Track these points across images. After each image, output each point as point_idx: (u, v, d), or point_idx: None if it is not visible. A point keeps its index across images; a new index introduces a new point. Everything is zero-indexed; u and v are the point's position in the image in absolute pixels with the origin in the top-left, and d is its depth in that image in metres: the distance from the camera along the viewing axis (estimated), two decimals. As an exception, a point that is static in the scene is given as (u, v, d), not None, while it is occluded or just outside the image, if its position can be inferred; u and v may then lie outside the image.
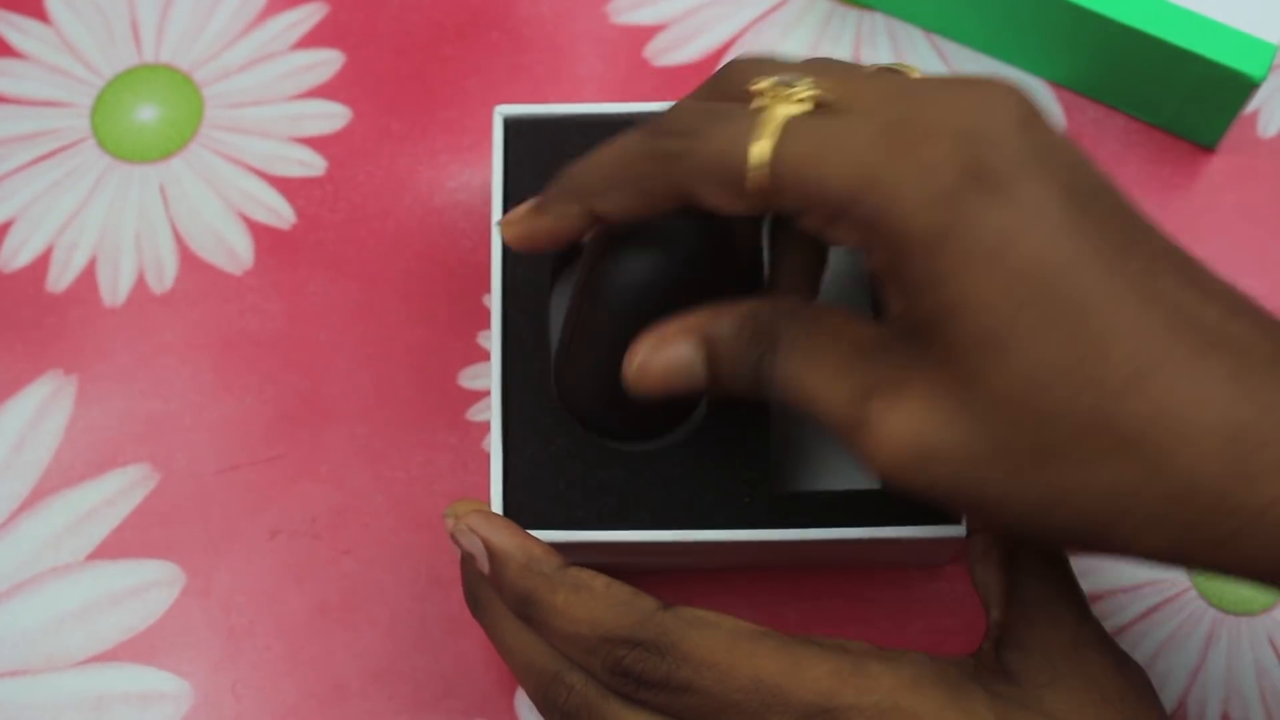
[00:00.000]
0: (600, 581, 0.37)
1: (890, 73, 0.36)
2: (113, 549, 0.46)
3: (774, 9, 0.52)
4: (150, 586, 0.45)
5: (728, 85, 0.38)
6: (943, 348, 0.33)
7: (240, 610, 0.45)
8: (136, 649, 0.45)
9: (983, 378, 0.32)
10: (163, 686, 0.44)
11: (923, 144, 0.32)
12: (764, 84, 0.35)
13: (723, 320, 0.37)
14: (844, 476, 0.45)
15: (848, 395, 0.34)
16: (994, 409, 0.32)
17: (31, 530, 0.46)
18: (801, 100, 0.35)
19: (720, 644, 0.35)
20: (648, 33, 0.52)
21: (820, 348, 0.35)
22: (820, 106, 0.35)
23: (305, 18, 0.52)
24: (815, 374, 0.35)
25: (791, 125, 0.34)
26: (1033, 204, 0.32)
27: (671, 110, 0.37)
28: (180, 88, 0.51)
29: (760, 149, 0.34)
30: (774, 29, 0.52)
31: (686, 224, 0.39)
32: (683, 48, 0.52)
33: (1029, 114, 0.33)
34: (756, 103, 0.35)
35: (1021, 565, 0.37)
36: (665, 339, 0.38)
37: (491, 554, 0.39)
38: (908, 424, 0.33)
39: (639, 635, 0.36)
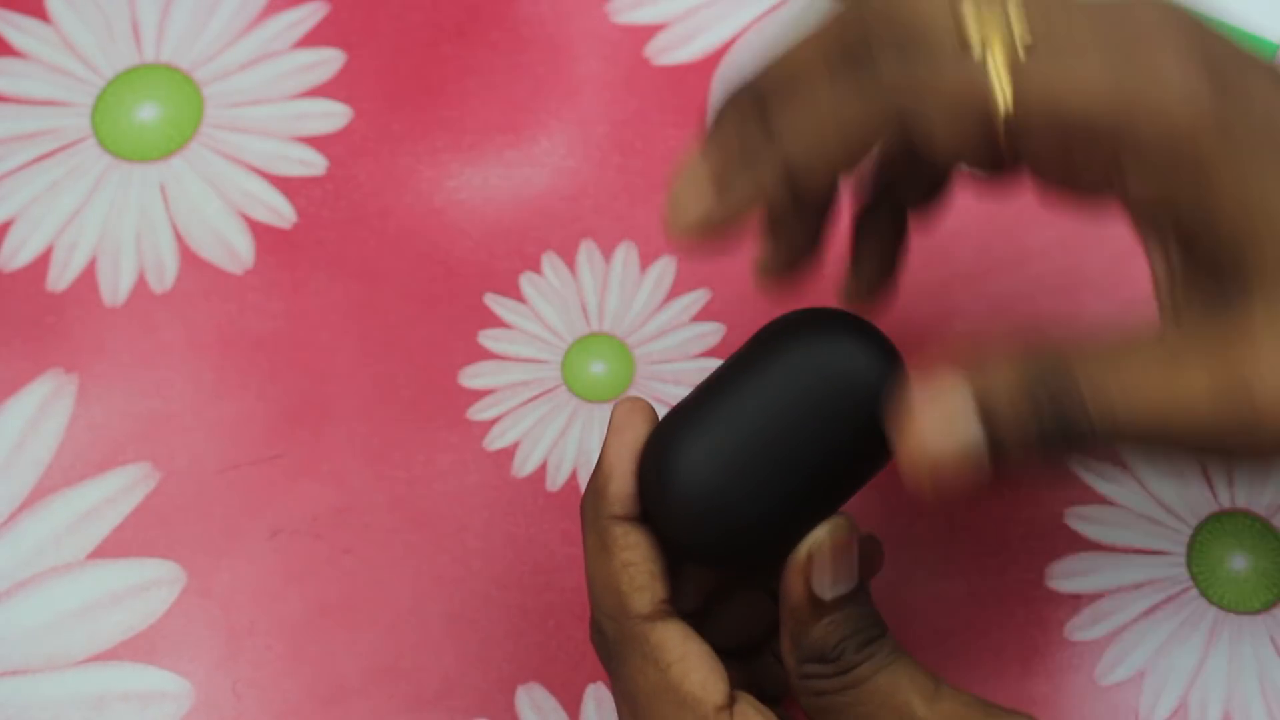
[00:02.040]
0: (619, 559, 0.36)
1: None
2: (113, 548, 0.46)
3: (774, 8, 0.52)
4: (151, 586, 0.45)
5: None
6: (1261, 252, 0.30)
7: (241, 609, 0.45)
8: (137, 648, 0.45)
9: None
10: (163, 686, 0.44)
11: (1158, 54, 0.31)
12: (968, 8, 0.32)
13: (995, 375, 0.32)
14: None
15: (1209, 384, 0.31)
16: None
17: (32, 529, 0.46)
18: (1016, 29, 0.32)
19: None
20: (648, 32, 0.52)
21: (1131, 359, 0.31)
22: (1031, 35, 0.32)
23: (306, 17, 0.52)
24: (1152, 386, 0.31)
25: (1024, 59, 0.32)
26: (1270, 81, 0.31)
27: (859, 34, 0.33)
28: (181, 87, 0.51)
29: (1004, 80, 0.31)
30: (775, 28, 0.52)
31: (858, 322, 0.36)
32: (683, 47, 0.52)
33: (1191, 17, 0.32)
34: (970, 32, 0.32)
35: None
36: (947, 415, 0.32)
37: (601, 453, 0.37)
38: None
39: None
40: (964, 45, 0.32)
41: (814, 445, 0.35)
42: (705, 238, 0.35)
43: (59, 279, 0.49)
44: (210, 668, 0.44)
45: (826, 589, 0.35)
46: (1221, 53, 0.31)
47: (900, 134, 0.33)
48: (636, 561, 0.36)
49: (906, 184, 0.39)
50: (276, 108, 0.51)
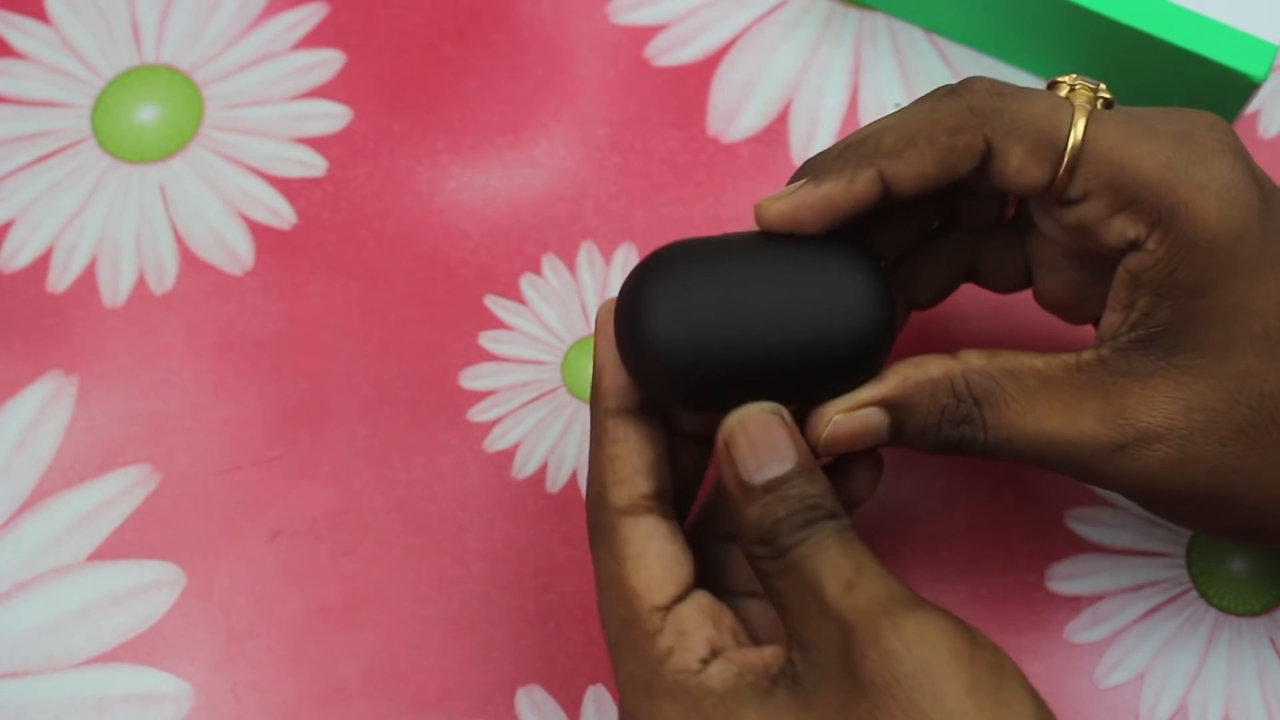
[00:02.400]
0: (607, 452, 0.37)
1: None
2: (113, 550, 0.46)
3: (774, 9, 0.52)
4: (151, 587, 0.45)
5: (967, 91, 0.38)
6: (1210, 349, 0.35)
7: (241, 611, 0.45)
8: (137, 650, 0.45)
9: (1257, 372, 0.35)
10: (163, 687, 0.44)
11: (1220, 156, 0.36)
12: (1066, 78, 0.38)
13: (916, 393, 0.37)
14: None
15: (1098, 425, 0.36)
16: (1262, 400, 0.35)
17: (32, 531, 0.46)
18: (1099, 95, 0.38)
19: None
20: (648, 33, 0.52)
21: (1035, 394, 0.36)
22: (1109, 106, 0.38)
23: (306, 18, 0.52)
24: (1047, 419, 0.36)
25: (1100, 112, 0.36)
26: None
27: (964, 82, 0.37)
28: (181, 88, 0.51)
29: (1080, 121, 0.36)
30: (775, 29, 0.52)
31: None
32: (683, 48, 0.52)
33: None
34: (1059, 90, 0.38)
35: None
36: (856, 407, 0.37)
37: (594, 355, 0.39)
38: (1172, 430, 0.36)
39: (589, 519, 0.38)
40: (1053, 89, 0.38)
41: (786, 323, 0.36)
42: (792, 221, 0.37)
43: (59, 280, 0.49)
44: (210, 669, 0.44)
45: (752, 473, 0.36)
46: (1257, 168, 0.37)
47: (982, 156, 0.37)
48: (622, 456, 0.37)
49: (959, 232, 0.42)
50: (276, 109, 0.51)
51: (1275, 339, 0.35)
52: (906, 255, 0.42)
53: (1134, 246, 0.36)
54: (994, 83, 0.37)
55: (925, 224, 0.41)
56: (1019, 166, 0.36)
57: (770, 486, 0.36)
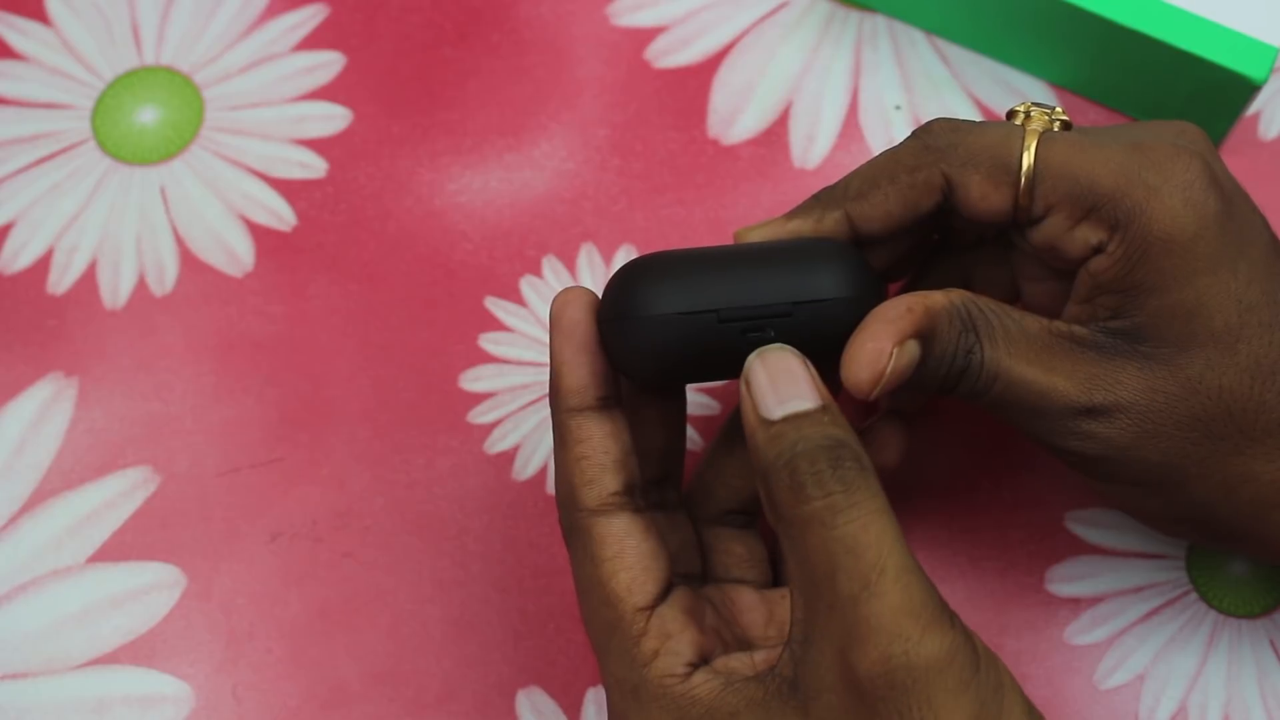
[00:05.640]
0: (573, 453, 0.37)
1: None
2: (113, 551, 0.46)
3: (775, 11, 0.52)
4: (151, 589, 0.45)
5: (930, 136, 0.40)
6: (1171, 341, 0.37)
7: (241, 613, 0.45)
8: (137, 652, 0.45)
9: (1216, 366, 0.36)
10: (164, 689, 0.44)
11: (1174, 160, 0.37)
12: (1021, 106, 0.39)
13: (939, 318, 0.36)
14: None
15: (1068, 383, 0.37)
16: (1220, 392, 0.36)
17: (32, 533, 0.46)
18: (1055, 119, 0.39)
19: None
20: (648, 35, 0.52)
21: (1015, 338, 0.37)
22: (1067, 128, 0.39)
23: (306, 20, 0.52)
24: (1026, 366, 0.37)
25: (1052, 133, 0.38)
26: (1252, 215, 0.38)
27: (923, 125, 0.39)
28: (181, 90, 0.51)
29: (1031, 143, 0.38)
30: (775, 30, 0.52)
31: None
32: (683, 50, 0.52)
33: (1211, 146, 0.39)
34: (1015, 119, 0.39)
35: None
36: (901, 335, 0.36)
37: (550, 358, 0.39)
38: (1134, 405, 0.37)
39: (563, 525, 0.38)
40: (1010, 118, 0.40)
41: (773, 274, 0.37)
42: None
43: (59, 282, 0.49)
44: (210, 671, 0.44)
45: (773, 408, 0.35)
46: (1221, 171, 0.38)
47: (943, 191, 0.38)
48: (589, 455, 0.37)
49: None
50: (277, 110, 0.51)
51: (1235, 335, 0.37)
52: (906, 278, 0.43)
53: (1097, 251, 0.37)
54: (950, 121, 0.39)
55: (921, 246, 0.42)
56: (980, 195, 0.38)
57: (791, 420, 0.34)
